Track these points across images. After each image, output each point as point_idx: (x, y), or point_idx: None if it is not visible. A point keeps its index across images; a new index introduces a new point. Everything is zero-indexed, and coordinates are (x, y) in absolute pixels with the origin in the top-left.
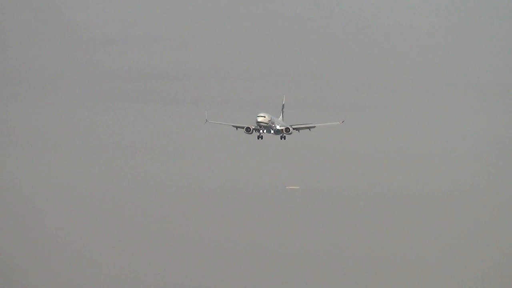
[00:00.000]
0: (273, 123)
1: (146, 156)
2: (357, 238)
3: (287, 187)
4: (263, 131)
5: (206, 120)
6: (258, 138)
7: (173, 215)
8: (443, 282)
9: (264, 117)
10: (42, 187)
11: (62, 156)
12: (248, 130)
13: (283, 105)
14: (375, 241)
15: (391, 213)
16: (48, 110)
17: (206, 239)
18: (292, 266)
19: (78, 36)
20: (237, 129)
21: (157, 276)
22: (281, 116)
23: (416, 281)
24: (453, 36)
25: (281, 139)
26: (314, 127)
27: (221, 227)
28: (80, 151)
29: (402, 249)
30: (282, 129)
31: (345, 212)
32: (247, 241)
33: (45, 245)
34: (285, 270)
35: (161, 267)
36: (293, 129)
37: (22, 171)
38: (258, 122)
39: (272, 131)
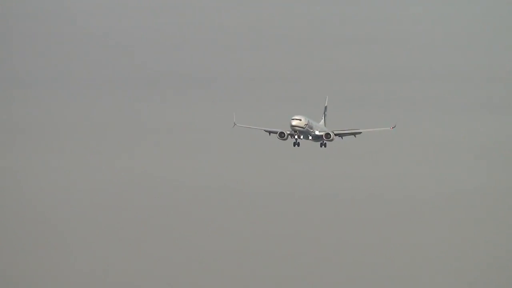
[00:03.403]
0: (311, 128)
1: (172, 158)
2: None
3: None
4: (299, 137)
5: (234, 124)
6: (294, 145)
7: (196, 220)
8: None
9: (300, 120)
10: (43, 186)
11: (70, 155)
12: (282, 135)
13: (325, 107)
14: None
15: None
16: (48, 110)
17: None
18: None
19: (88, 37)
20: (270, 134)
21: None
22: (322, 120)
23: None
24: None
25: (321, 146)
26: (360, 133)
27: (246, 237)
28: (91, 148)
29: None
30: (321, 135)
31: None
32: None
33: (45, 245)
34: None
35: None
36: (335, 135)
37: (22, 170)
38: (292, 126)
39: (310, 137)
